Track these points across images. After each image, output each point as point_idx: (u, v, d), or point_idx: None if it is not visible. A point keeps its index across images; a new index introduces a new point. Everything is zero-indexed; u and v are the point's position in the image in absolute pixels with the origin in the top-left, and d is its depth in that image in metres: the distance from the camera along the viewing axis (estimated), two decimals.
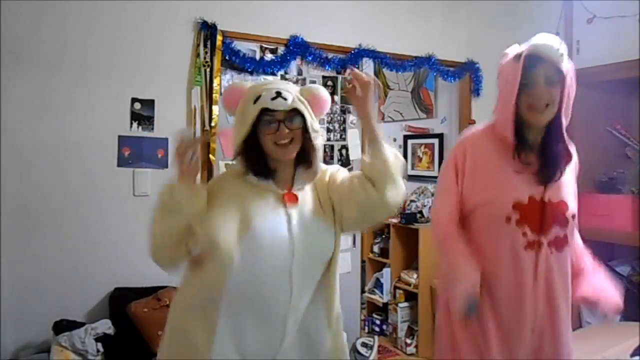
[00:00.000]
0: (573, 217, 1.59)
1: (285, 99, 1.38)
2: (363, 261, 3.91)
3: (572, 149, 1.63)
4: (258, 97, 1.39)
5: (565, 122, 1.54)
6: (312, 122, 1.43)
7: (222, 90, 2.87)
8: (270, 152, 1.42)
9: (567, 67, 1.51)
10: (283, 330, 1.43)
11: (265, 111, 1.38)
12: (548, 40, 1.50)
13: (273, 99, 1.37)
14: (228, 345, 1.41)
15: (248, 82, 1.49)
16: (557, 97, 1.51)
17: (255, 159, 1.43)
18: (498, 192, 1.56)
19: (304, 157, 1.46)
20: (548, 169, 1.56)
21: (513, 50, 1.57)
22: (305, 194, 1.48)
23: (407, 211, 3.85)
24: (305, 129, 1.42)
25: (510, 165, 1.56)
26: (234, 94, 1.47)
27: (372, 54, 3.23)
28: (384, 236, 4.10)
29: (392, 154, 1.40)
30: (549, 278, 1.57)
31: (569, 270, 1.63)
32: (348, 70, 1.40)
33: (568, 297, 1.63)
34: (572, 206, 1.60)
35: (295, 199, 1.45)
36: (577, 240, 1.73)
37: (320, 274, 1.49)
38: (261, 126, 1.40)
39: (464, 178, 1.62)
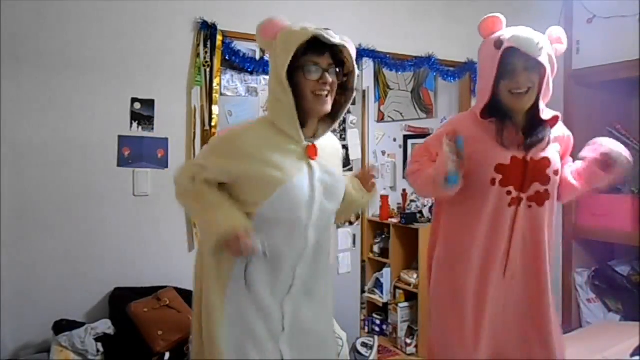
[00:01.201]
0: (555, 173, 1.67)
1: (336, 33, 1.37)
2: (363, 261, 3.91)
3: (564, 130, 1.76)
4: (305, 27, 1.36)
5: (544, 103, 1.64)
6: (355, 71, 1.44)
7: (222, 90, 2.88)
8: (307, 101, 1.38)
9: (546, 58, 1.56)
10: (291, 281, 1.48)
11: (308, 51, 1.32)
12: (528, 35, 1.55)
13: (325, 29, 1.35)
14: (240, 288, 1.46)
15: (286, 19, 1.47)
16: (537, 82, 1.58)
17: (289, 105, 1.38)
18: (482, 158, 1.65)
19: (334, 112, 1.46)
20: (532, 139, 1.65)
21: (494, 34, 1.62)
22: (324, 145, 1.51)
23: (407, 211, 3.85)
24: (342, 83, 1.42)
25: (495, 140, 1.66)
26: (272, 26, 1.44)
27: (372, 54, 3.23)
28: (384, 236, 4.10)
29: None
30: (529, 228, 1.68)
31: (546, 221, 1.72)
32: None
33: (545, 246, 1.72)
34: (555, 163, 1.67)
35: (316, 151, 1.46)
36: (565, 175, 1.79)
37: (332, 227, 1.58)
38: (305, 70, 1.35)
39: None
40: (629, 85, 3.42)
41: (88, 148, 2.59)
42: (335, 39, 1.35)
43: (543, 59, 1.55)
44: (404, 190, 3.99)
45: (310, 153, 1.44)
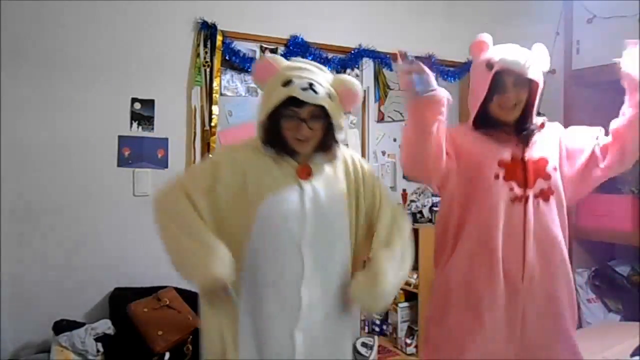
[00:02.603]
0: (554, 169, 1.74)
1: (316, 93, 1.34)
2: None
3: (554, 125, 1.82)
4: (289, 82, 1.35)
5: (533, 113, 1.73)
6: (338, 120, 1.42)
7: (222, 90, 2.88)
8: (289, 141, 1.41)
9: (534, 74, 1.66)
10: (299, 304, 1.42)
11: (290, 102, 1.35)
12: (516, 57, 1.67)
13: (304, 89, 1.34)
14: (248, 326, 1.43)
15: (283, 60, 1.47)
16: (525, 97, 1.69)
17: (274, 139, 1.42)
18: (484, 155, 1.71)
19: (323, 147, 1.46)
20: (524, 137, 1.73)
21: (484, 55, 1.72)
22: (324, 170, 1.48)
23: (407, 211, 3.85)
24: (328, 125, 1.42)
25: (490, 142, 1.73)
26: (266, 70, 1.43)
27: (372, 54, 3.23)
28: None
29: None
30: (540, 225, 1.70)
31: (556, 217, 1.74)
32: None
33: (559, 242, 1.74)
34: (553, 161, 1.74)
35: (309, 172, 1.44)
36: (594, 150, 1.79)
37: (335, 252, 1.50)
38: (283, 119, 1.38)
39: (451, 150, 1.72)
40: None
41: (88, 148, 2.59)
42: (317, 97, 1.33)
43: (532, 74, 1.66)
44: (404, 190, 3.98)
45: (301, 173, 1.44)
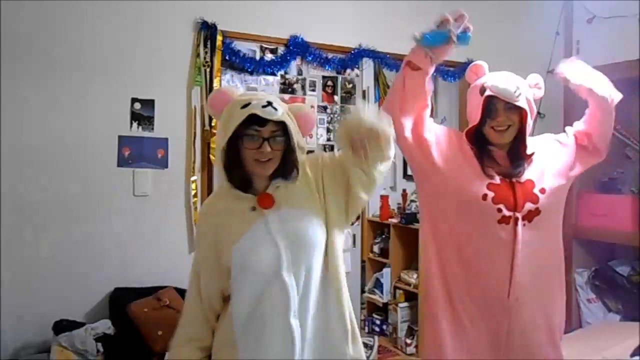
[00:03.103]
0: (542, 191, 1.77)
1: (275, 110, 1.37)
2: (363, 261, 3.91)
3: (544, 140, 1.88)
4: (247, 104, 1.37)
5: (526, 137, 1.77)
6: (298, 139, 1.42)
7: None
8: (249, 166, 1.41)
9: (524, 101, 1.72)
10: (291, 338, 1.40)
11: (251, 122, 1.36)
12: (506, 84, 1.73)
13: (264, 106, 1.36)
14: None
15: (237, 90, 1.51)
16: (516, 120, 1.74)
17: (234, 167, 1.42)
18: (473, 175, 1.74)
19: (283, 172, 1.45)
20: (513, 170, 1.77)
21: (479, 80, 1.82)
22: (285, 190, 1.46)
23: (407, 211, 3.85)
24: (288, 145, 1.41)
25: (475, 161, 1.78)
26: (221, 98, 1.44)
27: (372, 54, 3.23)
28: (384, 236, 4.10)
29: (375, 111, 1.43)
30: (530, 247, 1.73)
31: (547, 238, 1.81)
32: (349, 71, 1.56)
33: (550, 264, 1.81)
34: (539, 182, 1.78)
35: (269, 201, 1.43)
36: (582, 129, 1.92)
37: (318, 273, 1.46)
38: (245, 140, 1.38)
39: (437, 151, 1.77)
40: (629, 85, 3.42)
41: (88, 148, 2.59)
42: (277, 113, 1.36)
43: (521, 103, 1.71)
44: (404, 190, 3.99)
45: (263, 203, 1.43)
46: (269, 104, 1.37)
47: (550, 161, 1.83)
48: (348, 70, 3.26)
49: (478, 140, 1.79)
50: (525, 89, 1.76)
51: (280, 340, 1.41)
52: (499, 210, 1.71)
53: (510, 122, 1.74)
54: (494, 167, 1.77)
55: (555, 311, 1.82)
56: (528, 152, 1.78)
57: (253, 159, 1.39)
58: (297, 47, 3.03)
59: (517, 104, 1.70)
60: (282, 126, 1.39)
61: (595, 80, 1.84)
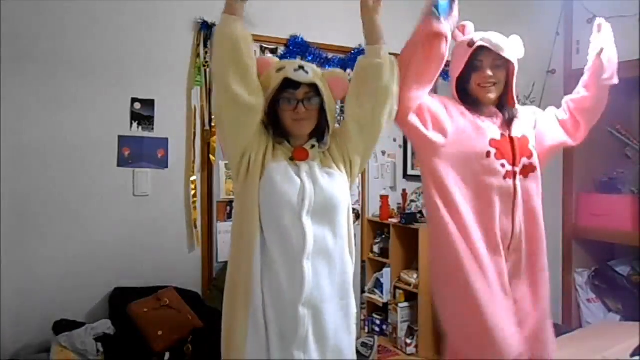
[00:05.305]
0: (534, 147, 1.89)
1: (307, 73, 1.51)
2: (363, 261, 3.90)
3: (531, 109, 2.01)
4: (282, 68, 1.52)
5: (513, 94, 1.87)
6: (330, 101, 1.56)
7: None
8: (287, 126, 1.55)
9: (511, 56, 1.81)
10: (301, 276, 1.49)
11: (286, 86, 1.49)
12: (495, 38, 1.82)
13: (295, 70, 1.50)
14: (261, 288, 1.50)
15: (274, 58, 1.65)
16: (502, 77, 1.83)
17: (275, 126, 1.56)
18: (476, 131, 1.81)
19: (318, 133, 1.58)
20: (509, 118, 1.88)
21: (466, 37, 1.88)
22: (318, 155, 1.59)
23: (407, 211, 3.85)
24: (321, 109, 1.55)
25: (478, 119, 1.85)
26: (260, 65, 1.55)
27: None
28: (384, 236, 4.09)
29: (390, 58, 1.60)
30: (527, 200, 1.85)
31: (538, 191, 1.91)
32: None
33: (540, 215, 1.91)
34: (532, 139, 1.91)
35: (304, 153, 1.56)
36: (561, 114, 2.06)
37: (336, 227, 1.56)
38: (281, 102, 1.52)
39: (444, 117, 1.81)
40: (629, 85, 3.42)
41: (88, 148, 2.59)
42: (308, 76, 1.51)
43: (509, 55, 1.80)
44: (404, 190, 3.98)
45: (298, 155, 1.55)
46: (301, 67, 1.52)
47: (540, 122, 1.96)
48: (348, 70, 3.25)
49: (466, 97, 1.86)
50: (511, 44, 1.85)
51: (293, 276, 1.50)
52: (502, 165, 1.79)
53: (496, 80, 1.82)
54: (492, 124, 1.83)
55: (542, 258, 1.91)
56: (515, 108, 1.88)
57: (290, 119, 1.53)
58: (297, 47, 3.03)
59: (505, 55, 1.78)
60: (315, 88, 1.52)
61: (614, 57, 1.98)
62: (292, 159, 1.55)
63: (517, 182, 1.81)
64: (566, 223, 3.79)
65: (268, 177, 1.50)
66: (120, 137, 2.67)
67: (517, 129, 1.88)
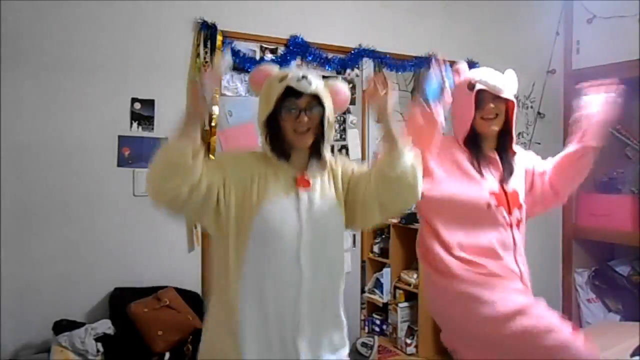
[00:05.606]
0: (523, 201, 1.99)
1: (309, 83, 1.47)
2: (363, 261, 3.90)
3: (521, 151, 2.07)
4: (284, 77, 1.48)
5: (513, 130, 1.96)
6: (330, 113, 1.53)
7: (222, 90, 2.87)
8: (288, 137, 1.50)
9: (509, 94, 1.90)
10: (294, 311, 1.46)
11: (288, 95, 1.46)
12: (494, 80, 1.88)
13: (298, 80, 1.47)
14: (252, 317, 1.46)
15: (275, 68, 1.61)
16: (503, 109, 1.91)
17: (275, 138, 1.51)
18: (474, 184, 1.90)
19: (317, 147, 1.54)
20: (505, 170, 1.96)
21: (464, 77, 1.94)
22: (318, 182, 1.55)
23: (407, 211, 3.85)
24: (321, 120, 1.51)
25: (473, 169, 1.93)
26: (261, 74, 1.55)
27: (372, 54, 3.23)
28: (384, 236, 4.10)
29: (410, 159, 1.50)
30: (520, 250, 1.96)
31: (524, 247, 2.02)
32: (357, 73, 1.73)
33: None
34: (522, 192, 2.00)
35: (307, 183, 1.52)
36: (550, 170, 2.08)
37: (332, 262, 1.54)
38: (283, 112, 1.48)
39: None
40: (629, 85, 3.42)
41: (88, 148, 2.59)
42: (311, 86, 1.47)
43: (507, 95, 1.89)
44: None
45: (300, 183, 1.52)
46: (304, 77, 1.48)
47: (525, 180, 2.03)
48: (348, 70, 3.25)
49: (472, 142, 1.94)
50: (508, 82, 1.92)
51: (285, 312, 1.46)
52: (503, 216, 1.89)
53: (498, 111, 1.91)
54: (490, 171, 1.93)
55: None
56: (514, 143, 1.96)
57: (292, 130, 1.49)
58: (297, 47, 3.03)
59: (503, 95, 1.88)
60: (317, 98, 1.49)
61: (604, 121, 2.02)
62: (295, 181, 1.51)
63: (514, 230, 1.92)
64: (566, 223, 3.79)
65: (268, 211, 1.46)
66: (120, 137, 2.67)
67: (510, 182, 1.97)
